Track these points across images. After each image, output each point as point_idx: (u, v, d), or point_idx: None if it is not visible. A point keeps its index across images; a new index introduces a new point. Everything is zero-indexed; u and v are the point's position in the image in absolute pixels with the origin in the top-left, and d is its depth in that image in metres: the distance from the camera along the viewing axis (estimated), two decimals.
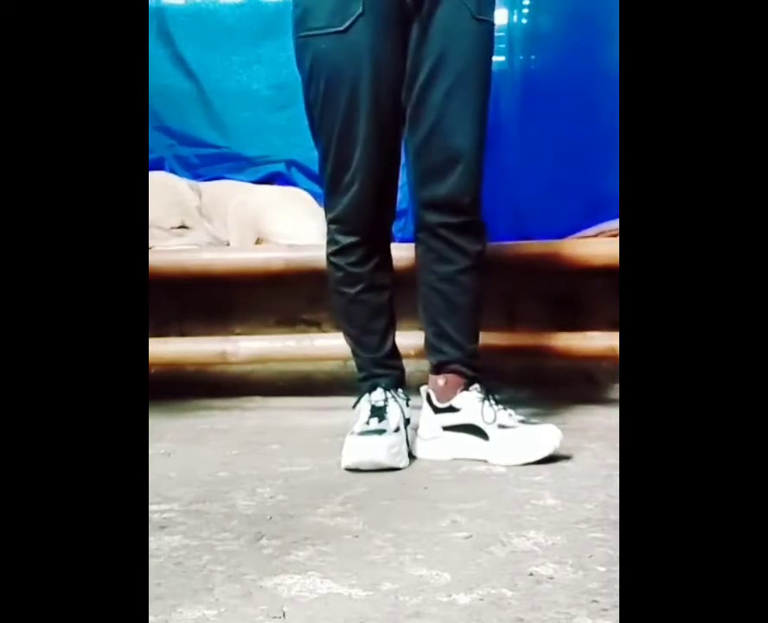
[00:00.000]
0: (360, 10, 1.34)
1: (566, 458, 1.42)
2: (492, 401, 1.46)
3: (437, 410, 1.49)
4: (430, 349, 1.53)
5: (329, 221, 1.50)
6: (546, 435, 1.39)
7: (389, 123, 1.42)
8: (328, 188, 1.48)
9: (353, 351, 1.59)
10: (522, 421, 1.45)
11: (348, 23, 1.35)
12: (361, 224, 1.47)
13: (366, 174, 1.42)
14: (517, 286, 2.13)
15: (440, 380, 1.50)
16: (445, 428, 1.47)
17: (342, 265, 1.50)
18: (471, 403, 1.46)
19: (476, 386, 1.48)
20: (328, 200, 1.49)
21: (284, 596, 0.85)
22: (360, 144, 1.40)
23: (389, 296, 1.56)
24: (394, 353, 1.58)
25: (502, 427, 1.42)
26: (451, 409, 1.48)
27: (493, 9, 1.46)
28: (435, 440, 1.48)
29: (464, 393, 1.48)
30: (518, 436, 1.40)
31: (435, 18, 1.39)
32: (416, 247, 1.52)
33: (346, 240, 1.48)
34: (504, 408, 1.47)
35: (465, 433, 1.45)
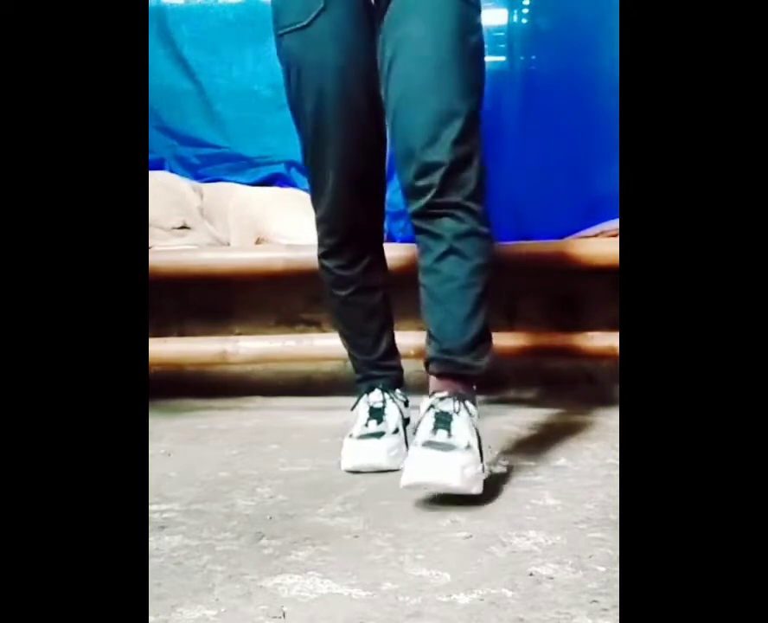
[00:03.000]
0: (322, 5, 1.31)
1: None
2: (433, 413, 1.24)
3: None
4: None
5: (316, 222, 1.47)
6: (433, 465, 1.16)
7: (361, 117, 1.38)
8: (311, 188, 1.46)
9: (349, 353, 1.58)
10: (430, 443, 1.18)
11: (310, 18, 1.32)
12: (342, 224, 1.43)
13: (339, 172, 1.38)
14: (517, 286, 2.13)
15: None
16: None
17: (332, 267, 1.48)
18: (422, 410, 1.28)
19: (441, 393, 1.27)
20: (312, 200, 1.46)
21: (284, 596, 0.85)
22: (329, 143, 1.37)
23: (382, 296, 1.54)
24: (391, 353, 1.57)
25: (414, 443, 1.21)
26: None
27: None
28: None
29: (425, 398, 1.29)
30: (411, 456, 1.19)
31: (397, 2, 1.31)
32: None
33: (331, 240, 1.45)
34: (440, 424, 1.22)
35: None
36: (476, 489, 1.17)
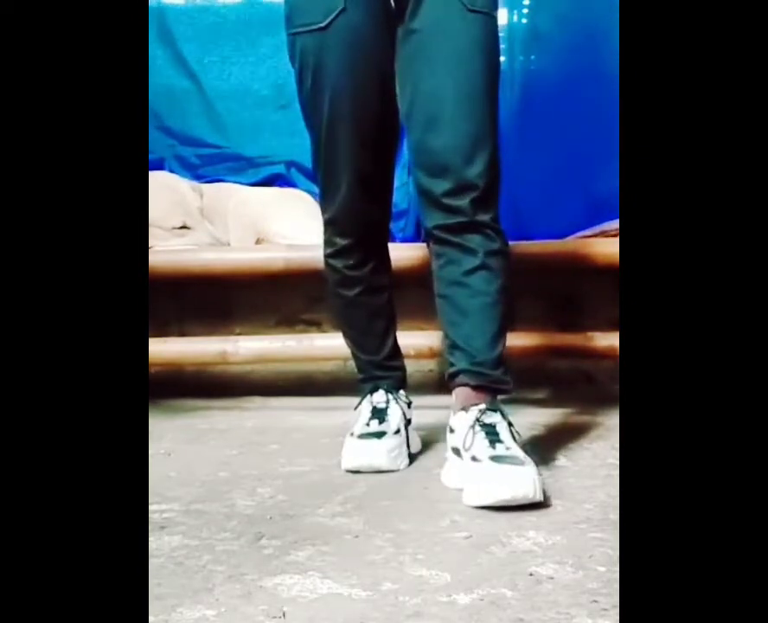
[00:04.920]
0: (342, 6, 1.30)
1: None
2: (480, 427, 1.25)
3: (449, 429, 1.34)
4: (447, 361, 1.39)
5: (325, 223, 1.47)
6: (513, 478, 1.14)
7: (375, 119, 1.38)
8: (321, 189, 1.45)
9: (353, 353, 1.58)
10: (497, 457, 1.19)
11: (330, 19, 1.30)
12: (354, 225, 1.44)
13: (352, 173, 1.38)
14: (517, 286, 2.13)
15: (453, 395, 1.35)
16: (452, 450, 1.31)
17: (340, 267, 1.48)
18: (462, 425, 1.28)
19: (481, 406, 1.28)
20: (322, 201, 1.46)
21: (284, 596, 0.85)
22: (344, 144, 1.36)
23: (388, 297, 1.54)
24: (395, 354, 1.57)
25: (474, 459, 1.21)
26: (452, 430, 1.32)
27: (494, 3, 1.34)
28: (445, 463, 1.33)
29: (461, 413, 1.30)
30: (482, 473, 1.17)
31: (422, 10, 1.31)
32: (430, 255, 1.41)
33: (342, 241, 1.45)
34: (494, 437, 1.23)
35: (458, 457, 1.28)
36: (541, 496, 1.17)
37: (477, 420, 1.26)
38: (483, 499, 1.15)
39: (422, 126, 1.33)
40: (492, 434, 1.24)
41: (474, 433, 1.24)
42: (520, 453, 1.21)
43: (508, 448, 1.22)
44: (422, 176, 1.34)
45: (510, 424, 1.29)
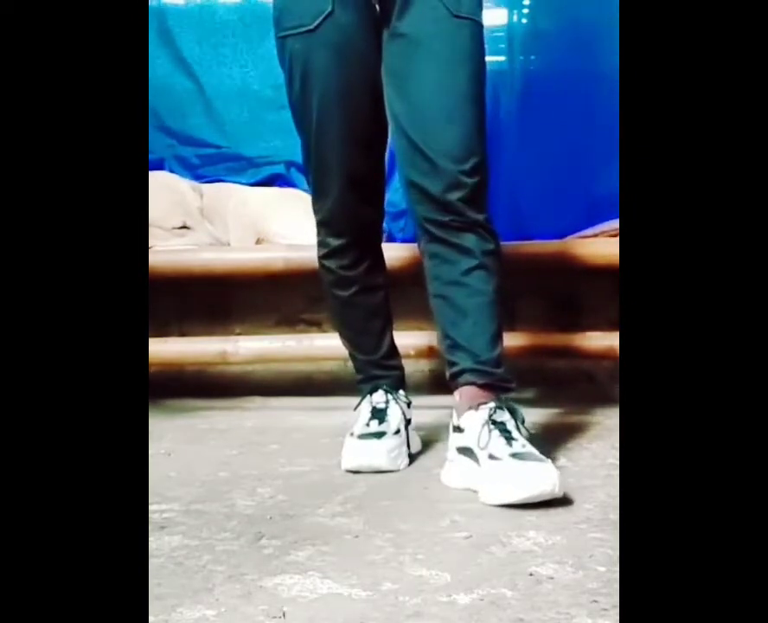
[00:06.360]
0: (329, 9, 1.31)
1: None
2: (493, 425, 1.25)
3: (453, 429, 1.34)
4: (446, 362, 1.39)
5: (318, 224, 1.47)
6: (536, 475, 1.14)
7: (365, 120, 1.38)
8: (313, 190, 1.45)
9: (350, 354, 1.58)
10: (518, 454, 1.19)
11: (317, 22, 1.31)
12: (347, 226, 1.44)
13: (344, 174, 1.38)
14: (517, 286, 2.13)
15: (456, 395, 1.35)
16: (459, 450, 1.30)
17: (334, 268, 1.48)
18: (474, 424, 1.27)
19: (490, 405, 1.28)
20: (314, 202, 1.46)
21: (284, 596, 0.85)
22: (334, 146, 1.37)
23: (383, 296, 1.54)
24: (393, 353, 1.57)
25: (492, 457, 1.21)
26: (459, 429, 1.31)
27: (479, 9, 1.35)
28: (450, 463, 1.32)
29: (471, 412, 1.29)
30: (503, 471, 1.17)
31: (408, 14, 1.32)
32: (422, 258, 1.41)
33: (336, 241, 1.45)
34: (508, 435, 1.24)
35: (468, 457, 1.27)
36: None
37: (490, 417, 1.27)
38: (508, 497, 1.14)
39: (412, 130, 1.33)
40: (506, 432, 1.24)
41: (489, 431, 1.25)
42: (535, 450, 1.21)
43: (524, 446, 1.22)
44: (413, 172, 1.35)
45: (523, 420, 1.30)
